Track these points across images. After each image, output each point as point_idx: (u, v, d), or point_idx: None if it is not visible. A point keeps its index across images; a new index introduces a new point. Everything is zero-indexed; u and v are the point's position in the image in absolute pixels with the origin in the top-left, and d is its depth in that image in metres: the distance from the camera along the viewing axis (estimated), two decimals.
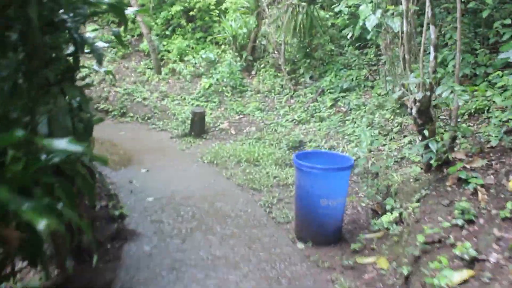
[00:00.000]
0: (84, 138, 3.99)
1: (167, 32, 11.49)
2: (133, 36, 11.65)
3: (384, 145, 6.09)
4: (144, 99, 9.79)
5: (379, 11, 4.96)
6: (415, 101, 4.07)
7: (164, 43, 11.25)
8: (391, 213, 4.22)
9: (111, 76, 10.09)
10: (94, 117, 4.55)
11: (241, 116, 8.91)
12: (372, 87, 8.13)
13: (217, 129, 8.59)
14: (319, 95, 8.53)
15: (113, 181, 5.93)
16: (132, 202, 5.23)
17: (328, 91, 8.46)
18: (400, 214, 4.10)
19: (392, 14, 4.89)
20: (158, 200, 5.28)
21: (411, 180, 4.47)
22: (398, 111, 6.69)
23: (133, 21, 11.19)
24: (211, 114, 9.05)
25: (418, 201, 3.91)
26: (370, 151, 6.09)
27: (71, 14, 3.27)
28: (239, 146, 7.58)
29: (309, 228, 4.22)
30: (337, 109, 7.94)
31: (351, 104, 7.67)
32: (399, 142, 5.95)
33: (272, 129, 8.08)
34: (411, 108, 4.14)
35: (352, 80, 8.32)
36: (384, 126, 6.50)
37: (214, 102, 9.54)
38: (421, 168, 4.46)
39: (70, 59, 3.52)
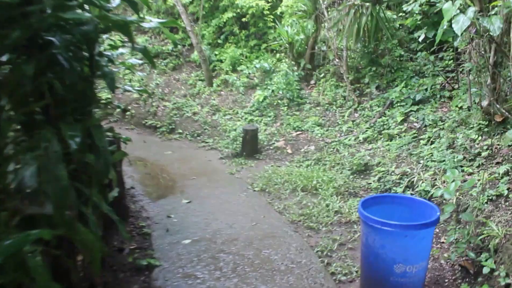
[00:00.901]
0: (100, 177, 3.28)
1: (219, 41, 10.77)
2: (184, 46, 11.03)
3: (471, 173, 4.95)
4: (194, 113, 9.10)
5: (471, 10, 3.88)
6: None
7: (216, 52, 10.54)
8: (491, 279, 3.15)
9: (152, 93, 9.52)
10: (113, 153, 3.83)
11: (298, 132, 7.98)
12: (451, 98, 6.93)
13: (271, 147, 7.71)
14: (387, 108, 7.43)
15: (150, 215, 5.23)
16: (165, 245, 4.46)
17: (398, 103, 7.34)
18: (507, 285, 3.04)
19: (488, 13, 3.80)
20: (196, 243, 4.47)
21: None
22: (486, 129, 5.50)
23: (183, 31, 10.55)
24: (265, 130, 8.18)
25: None
26: (453, 181, 4.97)
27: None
28: (296, 169, 6.67)
29: None
30: (409, 125, 6.82)
31: (426, 119, 6.53)
32: (490, 171, 4.78)
33: (334, 148, 7.09)
34: None
35: (426, 90, 7.16)
36: (469, 148, 5.34)
37: (269, 116, 8.68)
38: None
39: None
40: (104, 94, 8.69)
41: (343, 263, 4.10)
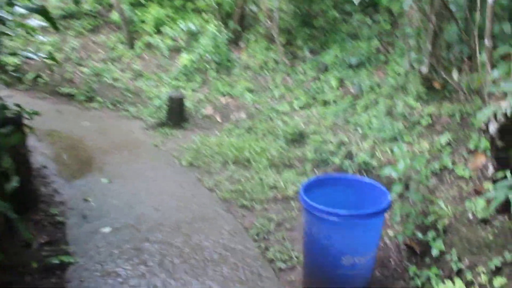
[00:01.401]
0: None
1: (142, 0, 9.85)
2: (101, 5, 10.01)
3: (410, 143, 4.71)
4: (115, 80, 8.27)
5: None
6: (495, 114, 2.68)
7: (138, 12, 9.64)
8: (439, 265, 2.89)
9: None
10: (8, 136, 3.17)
11: (228, 98, 7.47)
12: (386, 63, 6.68)
13: (199, 116, 7.16)
14: (321, 72, 7.07)
15: (64, 199, 4.58)
16: (82, 236, 3.89)
17: (333, 67, 7.00)
18: (459, 271, 2.78)
19: None
20: (117, 232, 3.93)
21: (472, 218, 3.12)
22: (425, 96, 5.27)
23: None
24: (192, 97, 7.59)
25: (499, 269, 2.57)
26: (391, 150, 4.72)
27: None
28: (226, 139, 6.19)
29: None
30: (345, 90, 6.51)
31: (362, 84, 6.23)
32: (431, 141, 4.56)
33: (266, 115, 6.67)
34: (487, 123, 2.75)
35: (362, 54, 6.85)
36: (409, 116, 5.10)
37: (196, 81, 8.06)
38: (487, 203, 3.11)
39: None
40: (11, 60, 7.72)
41: (281, 247, 3.73)
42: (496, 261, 2.65)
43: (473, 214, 3.06)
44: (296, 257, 3.58)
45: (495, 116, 2.68)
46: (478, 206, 3.01)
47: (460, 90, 5.14)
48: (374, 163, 4.65)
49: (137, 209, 4.35)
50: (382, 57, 6.84)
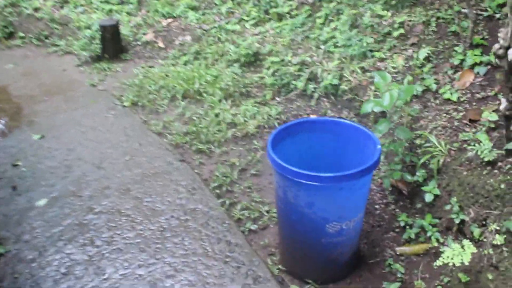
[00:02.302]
0: None
1: None
2: None
3: (383, 59, 4.14)
4: (36, 10, 7.15)
5: None
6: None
7: None
8: (435, 213, 2.46)
9: None
10: None
11: (169, 20, 6.57)
12: None
13: (139, 43, 6.30)
14: None
15: None
16: (13, 214, 3.27)
17: None
18: (462, 223, 2.35)
19: None
20: (55, 203, 3.33)
21: (472, 157, 2.64)
22: (393, 2, 4.63)
23: None
24: (129, 21, 6.65)
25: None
26: (364, 69, 4.15)
27: None
28: (172, 68, 5.44)
29: (308, 264, 2.45)
30: (301, 0, 5.75)
31: None
32: (407, 56, 4.00)
33: (214, 36, 5.88)
34: (501, 56, 2.16)
35: None
36: (378, 27, 4.48)
37: (131, 3, 7.06)
38: (489, 138, 2.62)
39: None
40: None
41: (249, 201, 3.23)
42: (500, 208, 2.22)
43: (476, 154, 2.58)
44: (267, 212, 3.09)
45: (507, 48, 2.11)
46: (482, 146, 2.52)
47: None
48: (344, 86, 4.09)
49: (76, 170, 3.71)
50: None
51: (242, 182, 3.45)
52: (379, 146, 2.25)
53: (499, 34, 2.22)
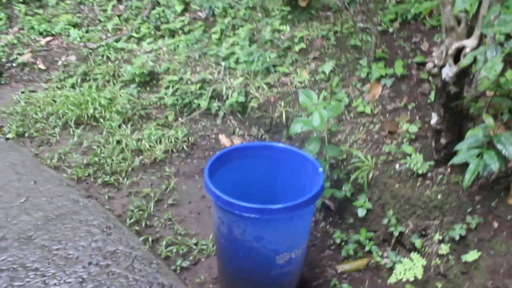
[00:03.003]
0: None
1: None
2: None
3: (287, 74, 4.15)
4: None
5: None
6: (458, 51, 2.12)
7: None
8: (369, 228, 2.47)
9: None
10: None
11: (48, 38, 6.02)
12: None
13: (15, 64, 5.67)
14: None
15: None
16: None
17: None
18: (401, 234, 2.39)
19: None
20: None
21: (399, 169, 2.69)
22: (289, 16, 4.69)
23: None
24: None
25: (463, 238, 2.17)
26: (270, 85, 4.12)
27: None
28: (58, 92, 4.97)
29: None
30: (192, 15, 5.60)
31: (213, 7, 5.38)
32: (311, 69, 4.05)
33: (103, 55, 5.49)
34: (435, 74, 2.20)
35: None
36: (277, 41, 4.49)
37: (0, 19, 6.36)
38: (416, 151, 2.69)
39: None
40: None
41: (173, 235, 3.01)
42: (459, 229, 2.29)
43: (407, 166, 2.64)
44: (195, 245, 2.90)
45: (454, 56, 2.17)
46: (413, 159, 2.59)
47: (326, 6, 4.68)
48: (252, 103, 4.01)
49: None
50: None
51: (160, 214, 3.20)
52: (321, 169, 2.20)
53: (433, 54, 2.29)
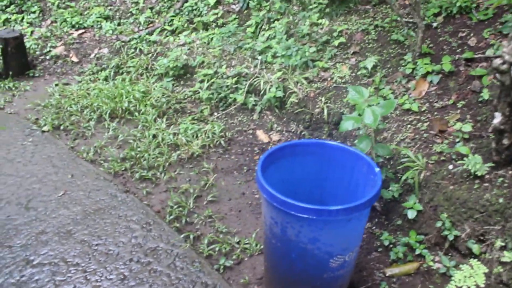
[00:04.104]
0: None
1: None
2: None
3: (326, 69, 4.04)
4: None
5: None
6: None
7: None
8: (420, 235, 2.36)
9: None
10: None
11: (81, 31, 6.01)
12: None
13: (48, 57, 5.68)
14: None
15: None
16: None
17: None
18: (455, 238, 2.27)
19: None
20: None
21: (453, 170, 2.57)
22: (327, 10, 4.56)
23: None
24: (32, 33, 5.98)
25: None
26: (309, 80, 4.01)
27: None
28: (91, 85, 4.95)
29: None
30: (226, 8, 5.52)
31: None
32: (352, 65, 3.93)
33: (135, 48, 5.45)
34: (504, 71, 2.07)
35: None
36: (315, 35, 4.38)
37: (33, 12, 6.38)
38: (472, 152, 2.56)
39: None
40: None
41: (215, 232, 2.93)
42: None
43: (459, 167, 2.52)
44: (238, 243, 2.82)
45: None
46: (471, 160, 2.46)
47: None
48: (292, 99, 3.91)
49: None
50: None
51: (200, 211, 3.13)
52: (378, 169, 2.09)
53: (503, 49, 2.16)
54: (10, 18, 6.27)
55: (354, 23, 4.33)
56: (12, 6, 6.43)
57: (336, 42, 4.16)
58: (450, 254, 2.46)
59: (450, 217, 2.44)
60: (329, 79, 3.92)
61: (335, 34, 4.24)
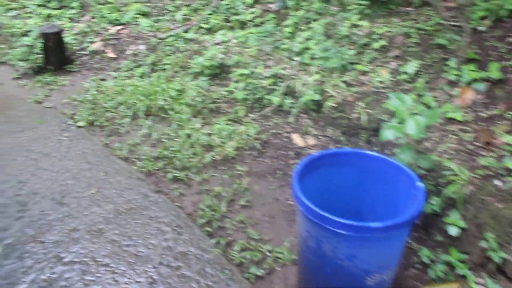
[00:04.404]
0: None
1: None
2: None
3: (365, 72, 3.92)
4: None
5: None
6: None
7: None
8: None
9: None
10: None
11: (119, 27, 6.05)
12: None
13: (86, 52, 5.73)
14: None
15: None
16: None
17: None
18: (502, 261, 2.14)
19: None
20: (11, 253, 2.79)
21: (505, 188, 2.43)
22: (367, 11, 4.43)
23: None
24: (71, 28, 6.04)
25: None
26: (347, 84, 3.90)
27: None
28: (128, 81, 4.95)
29: None
30: (263, 7, 5.44)
31: None
32: (392, 69, 3.80)
33: (172, 45, 5.44)
34: None
35: None
36: (354, 37, 4.26)
37: (73, 8, 6.46)
38: None
39: None
40: None
41: (246, 239, 2.86)
42: None
43: (508, 184, 2.38)
44: (269, 252, 2.75)
45: None
46: None
47: (407, 1, 4.39)
48: (330, 102, 3.81)
49: (33, 207, 3.17)
50: None
51: (232, 215, 3.07)
52: (421, 184, 1.98)
53: None
54: (51, 14, 6.35)
55: (395, 25, 4.18)
56: (54, 2, 6.51)
57: (376, 45, 4.03)
58: (495, 277, 2.32)
59: (497, 238, 2.31)
60: (368, 83, 3.80)
61: (374, 36, 4.11)
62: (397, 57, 3.89)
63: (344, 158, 2.26)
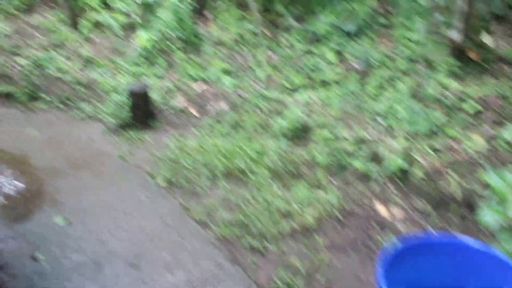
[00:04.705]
0: None
1: None
2: None
3: (456, 138, 3.63)
4: (61, 71, 6.79)
5: None
6: None
7: None
8: None
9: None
10: None
11: (202, 85, 6.17)
12: (388, 27, 5.52)
13: (170, 109, 5.86)
14: (312, 44, 5.85)
15: (3, 257, 3.34)
16: None
17: (325, 37, 5.78)
18: None
19: None
20: None
21: None
22: (457, 70, 4.17)
23: None
24: (158, 86, 6.25)
25: None
26: (436, 150, 3.63)
27: None
28: (209, 140, 4.96)
29: None
30: (347, 66, 5.33)
31: (369, 57, 5.06)
32: (487, 135, 3.49)
33: (253, 104, 5.43)
34: None
35: (361, 18, 5.64)
36: (443, 99, 3.99)
37: (160, 65, 6.70)
38: None
39: None
40: None
41: None
42: None
43: None
44: None
45: None
46: None
47: (503, 59, 4.08)
48: (418, 171, 3.55)
49: (107, 268, 3.17)
50: (383, 19, 5.67)
51: None
52: None
53: None
54: (140, 71, 6.64)
55: (488, 85, 3.88)
56: (144, 60, 6.82)
57: (467, 107, 3.75)
58: None
59: None
60: (459, 150, 3.51)
61: (465, 97, 3.84)
62: (494, 122, 3.57)
63: (439, 248, 2.00)
